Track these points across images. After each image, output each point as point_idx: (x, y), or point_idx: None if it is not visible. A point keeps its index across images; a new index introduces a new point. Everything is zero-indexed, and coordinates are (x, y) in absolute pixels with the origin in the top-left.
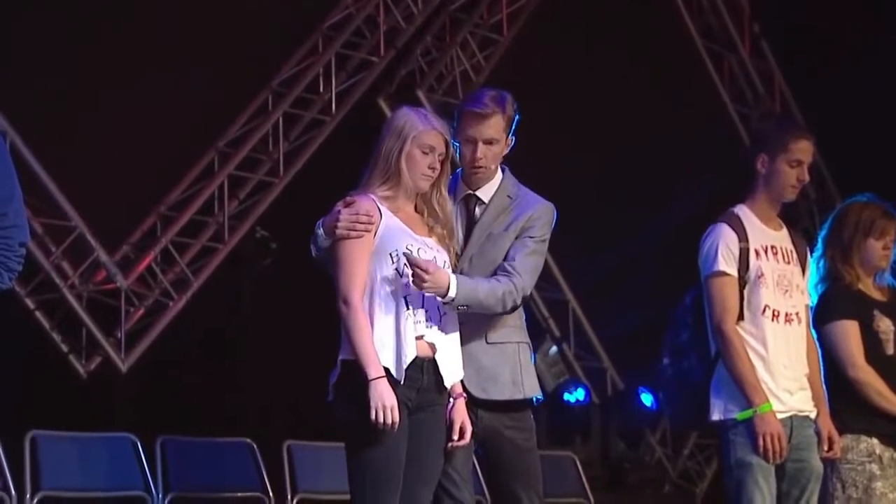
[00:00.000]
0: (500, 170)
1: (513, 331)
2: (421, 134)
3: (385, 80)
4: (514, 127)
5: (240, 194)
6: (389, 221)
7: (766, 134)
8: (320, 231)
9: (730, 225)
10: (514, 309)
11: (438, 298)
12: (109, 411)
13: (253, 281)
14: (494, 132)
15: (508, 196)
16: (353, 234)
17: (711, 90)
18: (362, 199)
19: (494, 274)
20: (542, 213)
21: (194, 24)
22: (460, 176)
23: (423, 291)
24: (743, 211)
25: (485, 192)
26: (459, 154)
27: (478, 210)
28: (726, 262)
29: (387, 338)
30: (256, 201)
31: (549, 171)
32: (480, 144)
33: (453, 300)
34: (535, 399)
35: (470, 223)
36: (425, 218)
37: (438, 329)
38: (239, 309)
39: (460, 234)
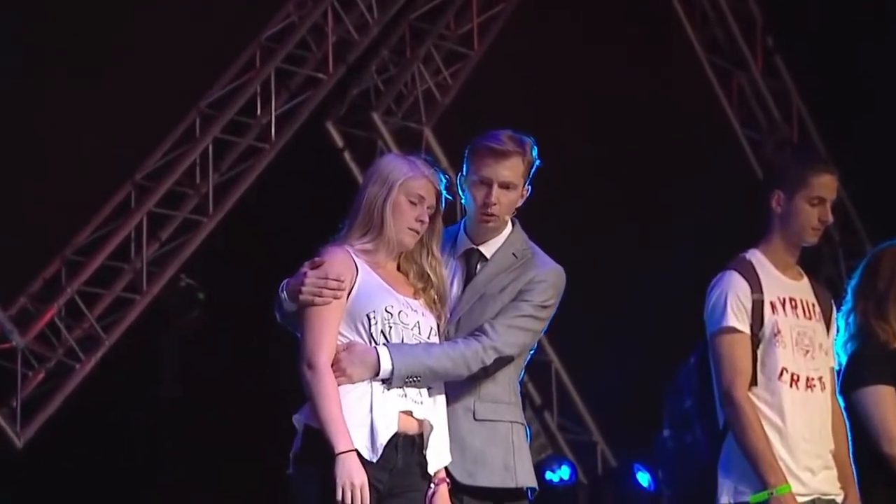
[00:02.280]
0: (510, 223)
1: (506, 408)
2: (409, 181)
3: (334, 101)
4: (532, 175)
5: (161, 235)
6: (367, 278)
7: (782, 167)
8: (284, 295)
9: (741, 273)
10: (487, 369)
11: (374, 383)
12: (1, 497)
13: (177, 339)
14: (513, 175)
15: (514, 254)
16: (319, 300)
17: (718, 113)
18: (334, 252)
19: None
20: (546, 277)
21: (107, 34)
22: (463, 227)
23: (346, 380)
24: (756, 257)
25: (489, 248)
26: (467, 199)
27: (479, 267)
28: (736, 317)
29: (357, 414)
30: (181, 244)
31: (528, 213)
32: (496, 187)
33: (391, 374)
34: (529, 490)
35: (469, 283)
36: (410, 279)
37: (430, 404)
38: (160, 373)
39: (456, 296)
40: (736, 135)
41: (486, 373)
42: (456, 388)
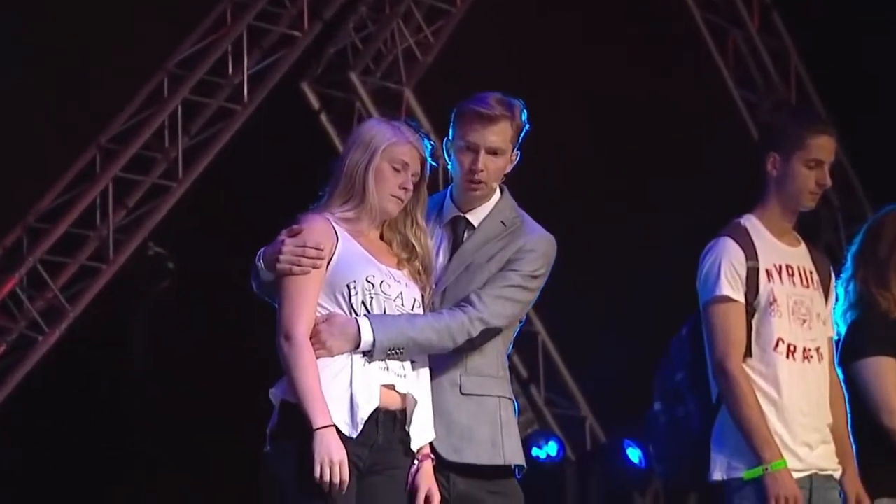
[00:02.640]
0: (498, 189)
1: (494, 382)
2: (392, 146)
3: (310, 61)
4: (521, 140)
5: (128, 202)
6: (348, 246)
7: (778, 128)
8: (260, 264)
9: (735, 239)
10: (474, 341)
11: (355, 355)
12: None
13: (146, 310)
14: (500, 140)
15: (502, 222)
16: (297, 269)
17: (713, 74)
18: (313, 220)
19: None
20: (536, 245)
21: None
22: (450, 193)
23: (325, 353)
24: (751, 222)
25: (476, 215)
26: (453, 165)
27: (466, 235)
28: (730, 286)
29: (337, 388)
30: (149, 210)
31: (516, 178)
32: (482, 153)
33: (373, 347)
34: (516, 468)
35: (455, 252)
36: (394, 249)
37: (413, 377)
38: (129, 346)
39: (442, 265)
40: (731, 96)
41: (473, 345)
42: (441, 362)
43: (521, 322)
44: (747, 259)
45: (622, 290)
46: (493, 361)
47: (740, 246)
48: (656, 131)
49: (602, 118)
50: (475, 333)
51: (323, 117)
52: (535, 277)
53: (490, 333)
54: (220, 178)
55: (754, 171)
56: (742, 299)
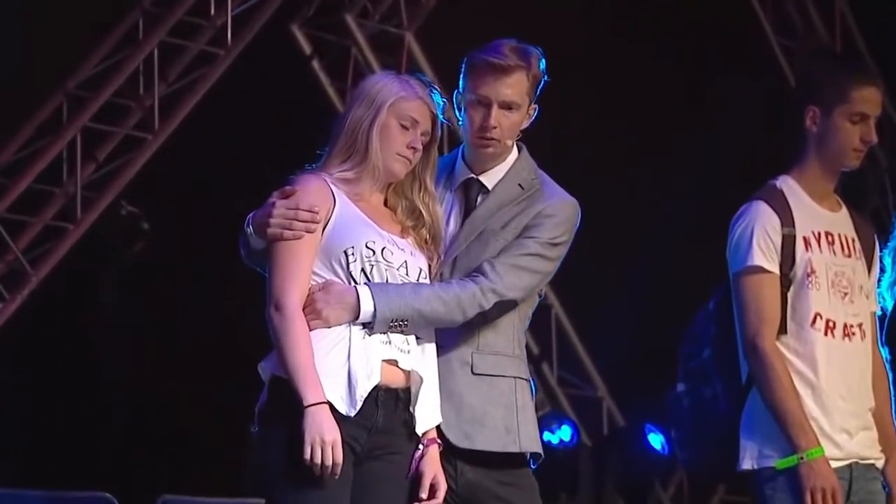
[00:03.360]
0: (515, 148)
1: (509, 361)
2: (401, 101)
3: (301, 1)
4: (539, 92)
5: (98, 155)
6: (345, 210)
7: (818, 77)
8: (249, 229)
9: (769, 203)
10: (487, 315)
11: (354, 327)
12: None
13: (117, 275)
14: (515, 93)
15: (519, 185)
16: (289, 234)
17: (746, 17)
18: (308, 180)
19: None
20: (556, 210)
21: None
22: (461, 154)
23: (322, 324)
24: (787, 184)
25: (490, 177)
26: (464, 122)
27: (479, 199)
28: (764, 255)
29: (333, 362)
30: (121, 165)
31: (531, 139)
32: (495, 108)
33: (374, 318)
34: (531, 457)
35: (467, 217)
36: (398, 216)
37: (418, 353)
38: (98, 313)
39: (452, 232)
40: (769, 42)
41: (486, 320)
42: (450, 337)
43: (539, 295)
44: (783, 225)
45: (642, 259)
46: (507, 338)
47: (775, 210)
48: (677, 83)
49: (620, 69)
50: (488, 306)
51: (315, 64)
52: (555, 245)
53: (505, 307)
54: (200, 131)
55: (790, 126)
56: (776, 270)
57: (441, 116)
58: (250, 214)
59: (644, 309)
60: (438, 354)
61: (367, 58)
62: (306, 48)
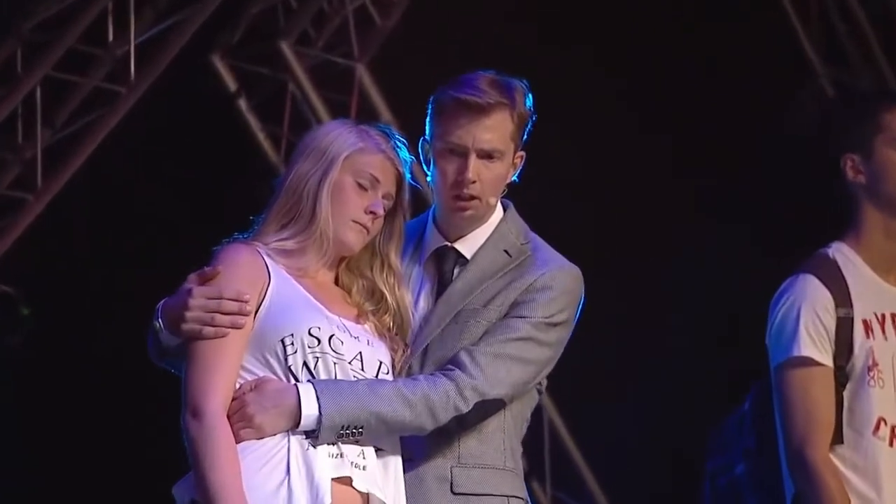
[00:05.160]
0: (499, 206)
1: (499, 477)
2: (358, 155)
3: (224, 24)
4: (525, 135)
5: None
6: (284, 287)
7: (842, 119)
8: (159, 323)
9: (820, 278)
10: (466, 419)
11: (294, 436)
12: None
13: None
14: (497, 138)
15: (505, 251)
16: (210, 330)
17: (791, 48)
18: (235, 252)
19: None
20: (552, 281)
21: None
22: (432, 217)
23: (253, 433)
24: (842, 253)
25: (469, 244)
26: (433, 176)
27: (456, 272)
28: (814, 343)
29: (266, 482)
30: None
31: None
32: (473, 158)
33: (320, 424)
34: None
35: (441, 295)
36: (354, 296)
37: (378, 469)
38: None
39: (422, 315)
40: (815, 75)
41: (466, 425)
42: (423, 447)
43: (538, 391)
44: (837, 305)
45: (653, 346)
46: (496, 448)
47: (827, 287)
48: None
49: (610, 107)
50: (466, 408)
51: (242, 103)
52: (552, 326)
53: (489, 408)
54: (95, 190)
55: (833, 190)
56: (829, 362)
57: (409, 176)
58: (160, 303)
59: (657, 408)
60: (409, 469)
61: (307, 95)
62: (231, 84)
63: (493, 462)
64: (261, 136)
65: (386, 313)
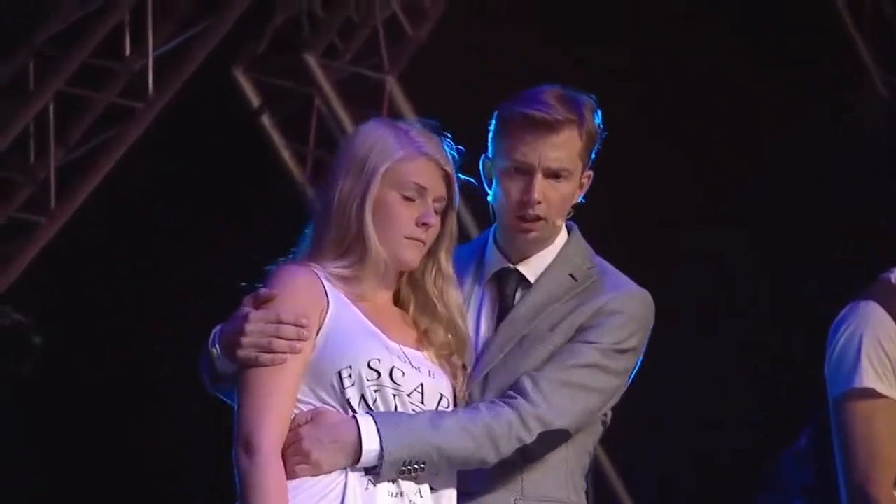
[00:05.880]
0: (564, 229)
1: None
2: (398, 165)
3: (246, 36)
4: (594, 153)
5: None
6: (343, 315)
7: None
8: (216, 349)
9: (883, 305)
10: (530, 451)
11: (353, 472)
12: None
13: (4, 403)
14: (565, 157)
15: (571, 275)
16: (267, 357)
17: (844, 50)
18: (293, 275)
19: None
20: (622, 306)
21: None
22: (493, 237)
23: (309, 470)
24: None
25: (532, 267)
26: (496, 196)
27: (518, 296)
28: (878, 374)
29: None
30: (10, 254)
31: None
32: (539, 177)
33: (381, 460)
34: None
35: (503, 319)
36: (412, 314)
37: (434, 502)
38: None
39: (483, 340)
40: (872, 79)
41: (530, 457)
42: (484, 480)
43: (603, 423)
44: None
45: (701, 373)
46: (559, 481)
47: (891, 315)
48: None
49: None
50: (529, 438)
51: (265, 119)
52: (621, 353)
53: (554, 439)
54: (113, 211)
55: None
56: (894, 395)
57: (457, 172)
58: (215, 329)
59: (701, 439)
60: (469, 502)
61: (334, 110)
62: (254, 98)
63: (558, 496)
64: (285, 154)
65: (440, 326)
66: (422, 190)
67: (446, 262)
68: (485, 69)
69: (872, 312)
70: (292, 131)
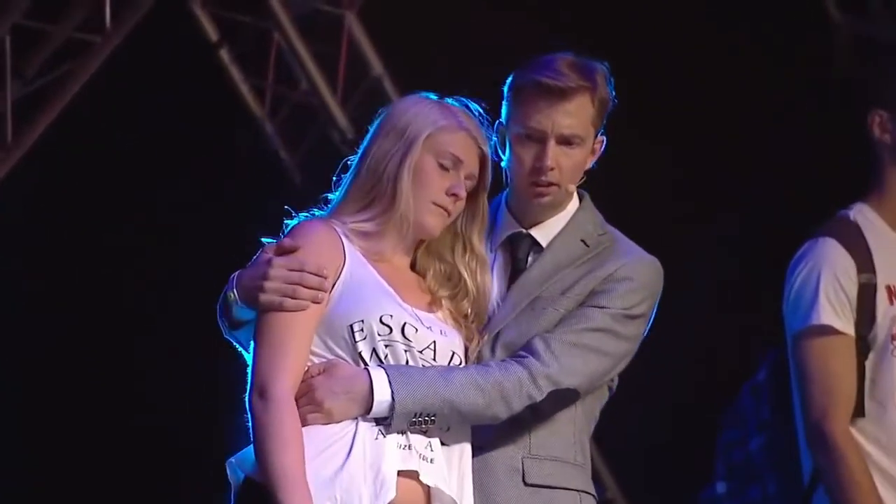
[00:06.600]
0: (576, 195)
1: (571, 471)
2: (440, 133)
3: None
4: (605, 120)
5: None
6: (359, 271)
7: (877, 72)
8: (233, 293)
9: (841, 241)
10: (539, 408)
11: (363, 422)
12: None
13: None
14: (578, 124)
15: (583, 241)
16: (291, 303)
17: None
18: (314, 229)
19: None
20: (633, 272)
21: None
22: (505, 201)
23: (322, 418)
24: (864, 215)
25: (545, 231)
26: (509, 161)
27: (531, 259)
28: (834, 310)
29: (330, 468)
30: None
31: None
32: (552, 144)
33: (392, 411)
34: None
35: (515, 282)
36: (428, 282)
37: (446, 461)
38: None
39: (495, 301)
40: (835, 28)
41: (539, 415)
42: (493, 436)
43: (609, 388)
44: (859, 271)
45: (661, 322)
46: (567, 441)
47: (848, 251)
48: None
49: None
50: (540, 397)
51: (224, 53)
52: (631, 318)
53: (563, 399)
54: (69, 148)
55: (859, 143)
56: (851, 331)
57: (492, 155)
58: (234, 274)
59: (665, 384)
60: (476, 457)
61: (293, 45)
62: (212, 33)
63: (565, 455)
64: (244, 89)
65: (465, 298)
66: (457, 162)
67: (479, 245)
68: (445, 6)
69: (830, 249)
70: (251, 66)
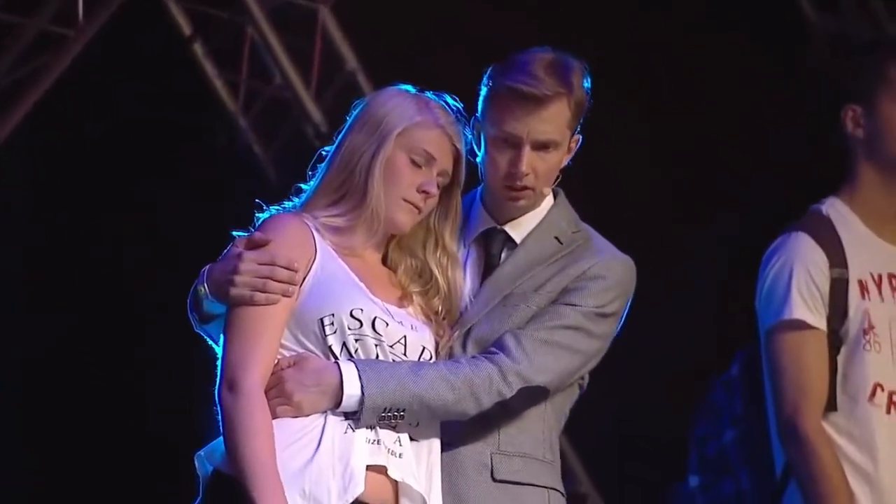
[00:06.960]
0: (551, 195)
1: (539, 468)
2: (414, 129)
3: None
4: (581, 121)
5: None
6: (329, 265)
7: (847, 68)
8: (203, 287)
9: (813, 236)
10: (509, 405)
11: (332, 416)
12: None
13: None
14: (553, 130)
15: (556, 238)
16: (261, 297)
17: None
18: (285, 223)
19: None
20: (605, 270)
21: None
22: (479, 196)
23: (291, 411)
24: (836, 209)
25: (519, 228)
26: (484, 160)
27: (504, 255)
28: (806, 305)
29: (298, 462)
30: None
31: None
32: (527, 149)
33: (361, 406)
34: None
35: (488, 278)
36: (399, 277)
37: (415, 457)
38: None
39: (468, 297)
40: (810, 27)
41: (509, 411)
42: (461, 432)
43: (580, 387)
44: (831, 265)
45: (633, 318)
46: (536, 438)
47: (820, 245)
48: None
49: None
50: (509, 393)
51: (198, 48)
52: (603, 317)
53: (532, 396)
54: (39, 145)
55: (833, 139)
56: (823, 325)
57: (466, 153)
58: (205, 268)
59: (636, 376)
60: (445, 452)
61: (267, 39)
62: (186, 27)
63: (534, 452)
64: (218, 84)
65: (436, 296)
66: (430, 159)
67: (451, 242)
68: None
69: (803, 243)
70: (225, 60)
